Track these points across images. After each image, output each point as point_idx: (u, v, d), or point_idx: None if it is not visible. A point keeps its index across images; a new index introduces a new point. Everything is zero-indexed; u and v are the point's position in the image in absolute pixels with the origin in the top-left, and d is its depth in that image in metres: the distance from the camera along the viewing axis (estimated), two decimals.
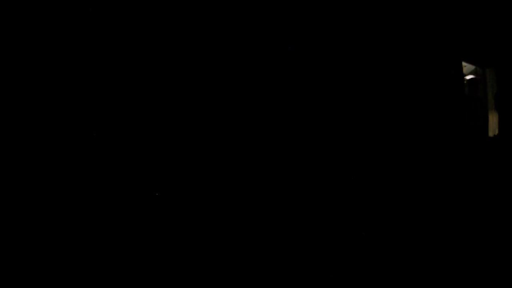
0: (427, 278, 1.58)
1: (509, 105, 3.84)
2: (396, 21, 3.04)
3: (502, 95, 3.94)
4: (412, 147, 3.03)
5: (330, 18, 2.51)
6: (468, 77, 4.67)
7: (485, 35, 4.14)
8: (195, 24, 1.89)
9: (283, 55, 2.22)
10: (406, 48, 3.12)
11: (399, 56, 3.04)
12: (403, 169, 2.88)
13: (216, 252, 1.75)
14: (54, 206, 1.46)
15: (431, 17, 3.38)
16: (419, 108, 3.17)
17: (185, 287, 1.58)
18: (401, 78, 3.04)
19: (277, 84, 2.19)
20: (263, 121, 2.12)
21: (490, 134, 3.93)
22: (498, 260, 1.74)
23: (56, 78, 1.51)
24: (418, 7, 3.25)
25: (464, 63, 4.15)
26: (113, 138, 1.62)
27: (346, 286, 1.56)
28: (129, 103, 1.67)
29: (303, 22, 2.35)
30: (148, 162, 1.70)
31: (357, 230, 2.18)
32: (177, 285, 1.58)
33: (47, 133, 1.48)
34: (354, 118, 2.60)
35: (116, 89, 1.65)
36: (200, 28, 1.90)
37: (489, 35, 4.21)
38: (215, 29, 1.96)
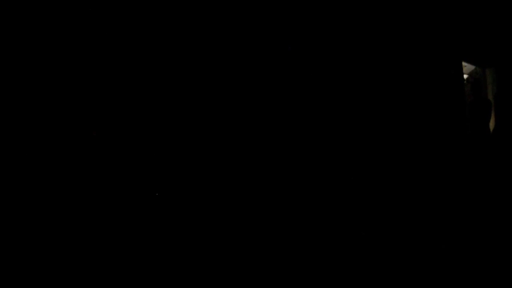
0: (427, 277, 1.58)
1: (509, 105, 3.84)
2: (396, 21, 3.04)
3: (502, 95, 3.94)
4: (412, 147, 3.03)
5: (330, 18, 2.51)
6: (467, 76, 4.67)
7: (485, 35, 4.14)
8: (195, 24, 1.89)
9: (283, 55, 2.22)
10: (406, 48, 3.12)
11: (399, 56, 3.04)
12: (403, 169, 2.88)
13: (216, 252, 1.75)
14: (54, 206, 1.47)
15: (431, 17, 3.38)
16: (419, 108, 3.17)
17: (185, 287, 1.58)
18: (401, 78, 3.04)
19: (277, 84, 2.19)
20: (263, 121, 2.12)
21: (490, 134, 3.93)
22: (498, 259, 1.74)
23: (56, 78, 1.51)
24: (418, 7, 3.25)
25: (464, 63, 4.15)
26: (113, 138, 1.62)
27: (346, 286, 1.56)
28: (129, 103, 1.67)
29: (303, 22, 2.35)
30: (148, 162, 1.70)
31: (356, 230, 2.18)
32: (177, 285, 1.58)
33: (48, 133, 1.49)
34: (354, 118, 2.60)
35: (116, 89, 1.65)
36: (200, 27, 1.91)
37: (489, 35, 4.21)
38: (215, 29, 1.96)
